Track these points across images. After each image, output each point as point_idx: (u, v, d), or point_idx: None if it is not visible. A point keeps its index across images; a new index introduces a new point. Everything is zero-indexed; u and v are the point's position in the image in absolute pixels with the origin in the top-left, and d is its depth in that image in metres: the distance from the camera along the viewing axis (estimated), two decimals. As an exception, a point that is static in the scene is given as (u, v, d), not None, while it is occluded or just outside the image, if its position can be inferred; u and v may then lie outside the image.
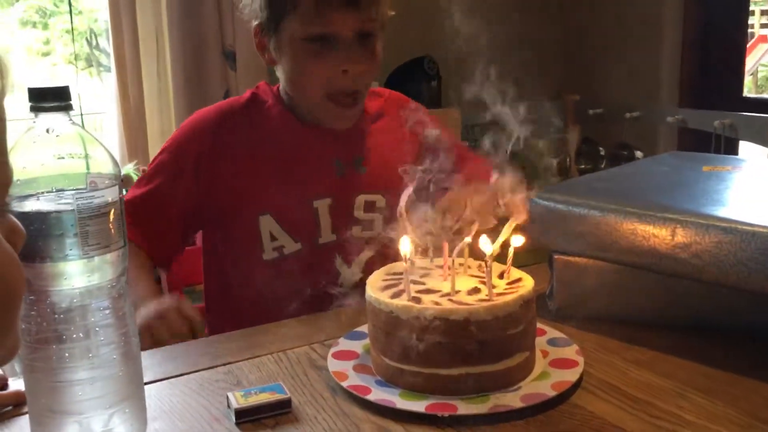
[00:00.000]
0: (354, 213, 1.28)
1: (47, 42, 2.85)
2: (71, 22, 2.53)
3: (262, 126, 1.28)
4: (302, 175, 1.27)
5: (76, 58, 2.58)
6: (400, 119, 1.35)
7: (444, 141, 1.41)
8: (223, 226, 1.30)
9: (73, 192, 0.66)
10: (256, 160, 1.26)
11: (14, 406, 0.85)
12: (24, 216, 0.65)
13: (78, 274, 0.67)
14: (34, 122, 0.68)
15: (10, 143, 0.68)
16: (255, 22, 1.24)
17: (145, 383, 0.82)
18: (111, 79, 2.56)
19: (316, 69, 1.20)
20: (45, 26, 2.85)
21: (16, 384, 0.88)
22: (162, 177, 1.28)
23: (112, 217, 0.68)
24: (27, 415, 0.74)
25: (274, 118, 1.29)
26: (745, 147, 2.67)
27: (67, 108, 0.68)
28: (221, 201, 1.27)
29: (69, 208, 0.66)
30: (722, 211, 0.90)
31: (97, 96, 2.64)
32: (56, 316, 0.68)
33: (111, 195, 0.69)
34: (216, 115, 1.30)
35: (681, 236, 0.89)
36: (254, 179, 1.26)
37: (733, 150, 2.64)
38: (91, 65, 2.69)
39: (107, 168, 0.70)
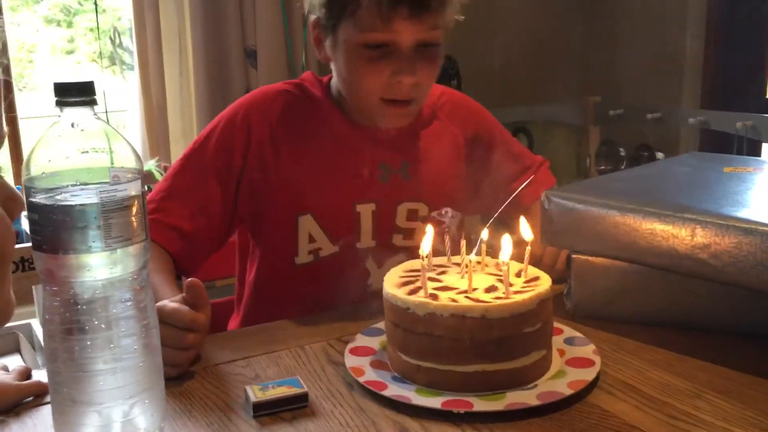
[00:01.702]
0: (396, 220, 1.25)
1: (71, 40, 2.89)
2: (96, 21, 2.56)
3: (311, 120, 1.23)
4: (347, 177, 1.22)
5: (100, 56, 2.61)
6: (452, 121, 1.32)
7: (497, 143, 1.38)
8: (259, 223, 1.25)
9: (96, 185, 0.67)
10: (302, 155, 1.22)
11: (36, 396, 0.87)
12: (49, 208, 0.66)
13: (101, 266, 0.68)
14: (60, 117, 0.69)
15: (35, 138, 0.70)
16: (312, 16, 1.18)
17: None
18: (134, 77, 2.59)
19: (372, 76, 1.14)
20: (69, 24, 2.88)
21: (38, 375, 0.90)
22: (211, 157, 1.20)
23: (134, 210, 0.69)
24: (49, 405, 0.75)
25: (322, 114, 1.24)
26: (767, 149, 2.64)
27: (91, 103, 0.69)
28: (261, 193, 1.22)
29: (93, 201, 0.67)
30: (742, 212, 0.89)
31: (121, 94, 2.67)
32: (79, 307, 0.69)
33: (134, 189, 0.70)
34: (279, 98, 1.24)
35: (700, 237, 0.89)
36: (298, 175, 1.21)
37: (755, 152, 2.61)
38: (114, 63, 2.72)
39: (130, 162, 0.71)
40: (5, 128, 0.51)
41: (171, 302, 0.92)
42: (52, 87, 0.69)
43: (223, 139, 1.21)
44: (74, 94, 0.68)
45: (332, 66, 1.22)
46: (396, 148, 1.25)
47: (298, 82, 1.28)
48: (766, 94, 2.79)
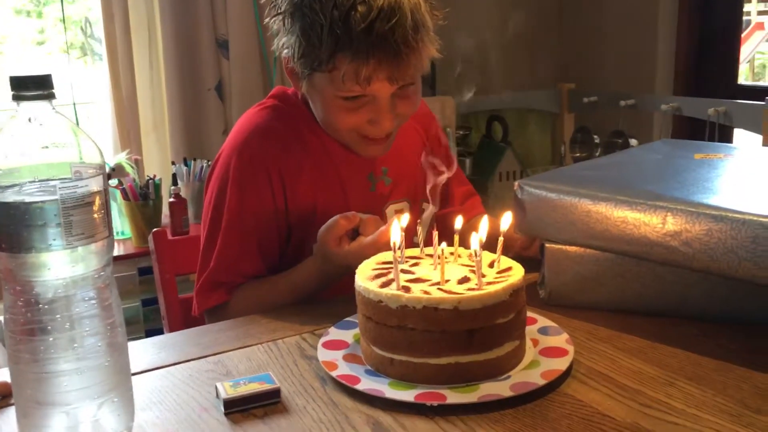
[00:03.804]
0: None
1: (42, 31, 2.83)
2: (63, 11, 2.51)
3: (304, 146, 1.20)
4: (345, 195, 1.22)
5: (70, 47, 2.56)
6: (413, 118, 1.29)
7: (443, 144, 1.41)
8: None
9: (56, 182, 0.66)
10: (307, 183, 1.19)
11: (1, 397, 0.85)
12: (6, 206, 0.64)
13: (62, 265, 0.66)
14: (16, 111, 0.67)
15: None
16: (285, 53, 1.13)
17: (134, 373, 0.82)
18: (104, 68, 2.55)
19: (349, 121, 1.13)
20: (39, 15, 2.83)
21: (3, 375, 0.88)
22: (250, 220, 1.17)
23: (96, 206, 0.68)
24: (14, 407, 0.74)
25: (311, 138, 1.21)
26: (739, 135, 2.67)
27: (49, 96, 0.67)
28: (281, 226, 1.20)
29: (52, 198, 0.65)
30: (713, 199, 0.89)
31: (92, 85, 2.63)
32: (41, 306, 0.67)
33: (96, 184, 0.68)
34: (272, 132, 1.19)
35: (671, 224, 0.89)
36: (307, 205, 1.19)
37: (727, 138, 2.64)
38: (86, 54, 2.68)
39: (92, 157, 0.69)
40: None
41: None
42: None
43: (254, 201, 1.17)
44: (31, 87, 0.66)
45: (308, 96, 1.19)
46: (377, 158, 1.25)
47: (277, 105, 1.23)
48: (737, 80, 2.81)
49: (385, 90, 1.09)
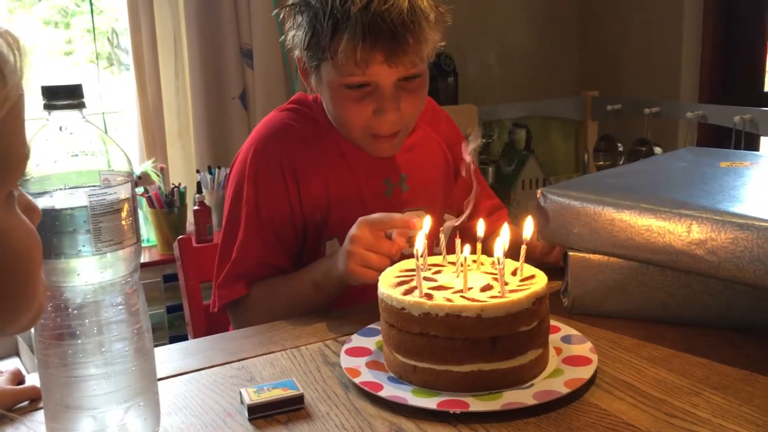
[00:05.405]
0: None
1: (69, 41, 2.88)
2: (92, 22, 2.56)
3: (320, 147, 1.22)
4: (360, 198, 1.22)
5: (97, 57, 2.60)
6: (431, 128, 1.33)
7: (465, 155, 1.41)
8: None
9: (86, 189, 0.67)
10: (320, 183, 1.21)
11: (31, 401, 0.86)
12: (37, 213, 0.66)
13: (91, 270, 0.67)
14: (48, 120, 0.68)
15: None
16: (296, 52, 1.18)
17: (160, 379, 0.83)
18: (130, 78, 2.58)
19: (355, 114, 1.15)
20: (67, 26, 2.88)
21: (32, 379, 0.89)
22: (267, 217, 1.19)
23: (124, 213, 0.69)
24: (42, 411, 0.75)
25: (327, 139, 1.23)
26: (766, 143, 2.63)
27: (79, 106, 0.68)
28: (296, 220, 1.22)
29: (82, 204, 0.66)
30: (739, 207, 0.89)
31: (118, 94, 2.66)
32: (70, 311, 0.68)
33: (124, 191, 0.69)
34: (289, 132, 1.22)
35: (697, 233, 0.88)
36: (321, 202, 1.21)
37: (753, 145, 2.60)
38: (112, 64, 2.72)
39: (120, 165, 0.70)
40: (29, 145, 0.53)
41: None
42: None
43: (269, 193, 1.19)
44: (62, 97, 0.67)
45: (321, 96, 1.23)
46: (394, 162, 1.26)
47: (296, 108, 1.26)
48: (764, 88, 2.78)
49: (385, 75, 1.11)
